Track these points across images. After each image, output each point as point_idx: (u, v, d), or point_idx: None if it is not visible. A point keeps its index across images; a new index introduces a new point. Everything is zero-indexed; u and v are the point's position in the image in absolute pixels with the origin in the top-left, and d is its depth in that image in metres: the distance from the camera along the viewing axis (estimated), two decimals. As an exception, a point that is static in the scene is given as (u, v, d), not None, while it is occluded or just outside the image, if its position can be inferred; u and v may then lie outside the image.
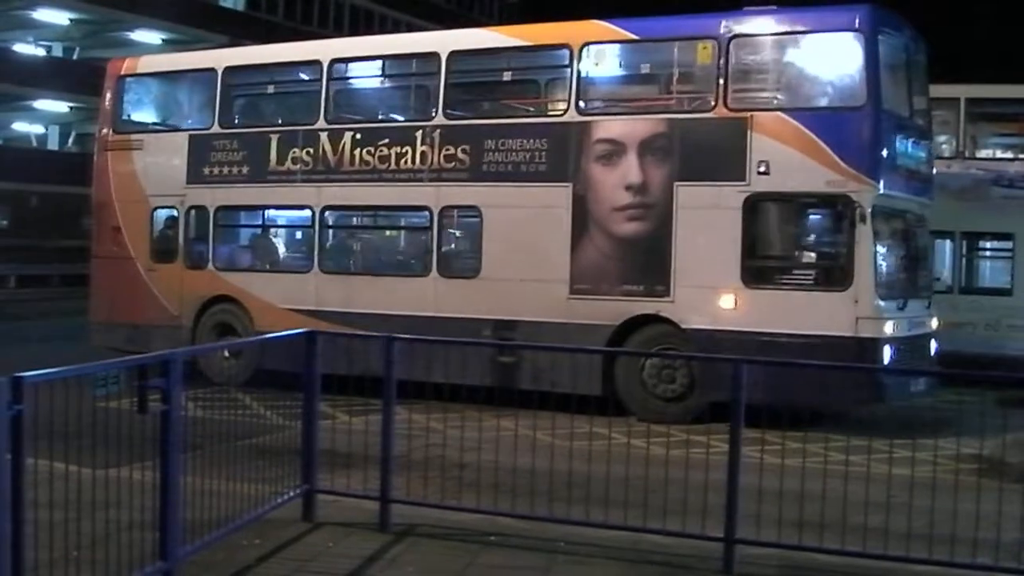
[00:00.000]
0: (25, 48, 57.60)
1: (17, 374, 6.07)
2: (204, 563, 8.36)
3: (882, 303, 16.03)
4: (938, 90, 21.43)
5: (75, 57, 56.07)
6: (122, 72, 22.88)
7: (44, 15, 54.28)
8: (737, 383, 8.72)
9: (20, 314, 33.67)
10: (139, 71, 23.18)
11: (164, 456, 7.61)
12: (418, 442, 10.89)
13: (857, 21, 16.23)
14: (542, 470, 9.63)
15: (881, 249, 16.41)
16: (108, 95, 22.90)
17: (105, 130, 22.96)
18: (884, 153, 16.35)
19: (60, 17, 54.94)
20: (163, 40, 56.49)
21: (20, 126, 58.17)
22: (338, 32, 59.48)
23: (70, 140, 58.20)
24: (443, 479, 10.62)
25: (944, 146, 23.60)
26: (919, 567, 8.57)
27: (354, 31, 60.43)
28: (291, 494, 9.88)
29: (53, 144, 58.14)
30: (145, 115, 23.62)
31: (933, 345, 17.76)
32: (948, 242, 23.33)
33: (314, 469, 10.06)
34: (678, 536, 9.12)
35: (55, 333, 23.34)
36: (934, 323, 18.00)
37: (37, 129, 59.09)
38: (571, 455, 9.69)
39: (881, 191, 16.09)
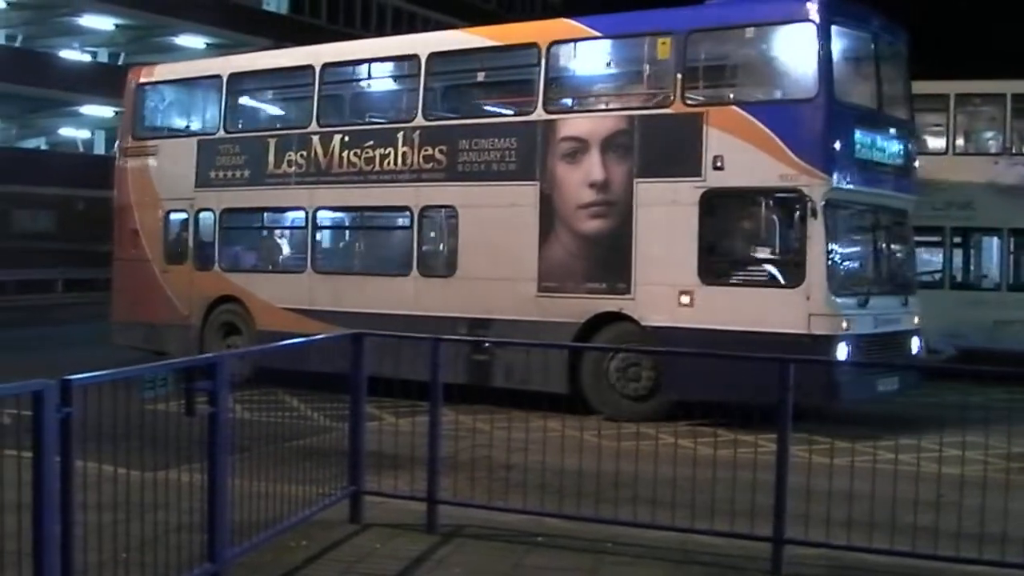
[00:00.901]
0: (71, 54, 58.04)
1: (66, 377, 6.09)
2: (252, 565, 8.38)
3: (837, 299, 15.77)
4: (984, 86, 21.42)
5: (120, 63, 56.30)
6: (140, 80, 23.82)
7: (90, 21, 54.71)
8: (784, 383, 8.68)
9: (66, 318, 33.89)
10: (155, 79, 23.94)
11: (212, 458, 7.63)
12: (465, 443, 10.89)
13: (809, 11, 16.04)
14: (589, 471, 9.58)
15: (837, 244, 16.27)
16: (127, 102, 24.18)
17: (125, 136, 24.17)
18: (838, 146, 16.11)
19: (105, 23, 55.36)
20: (207, 45, 56.76)
21: (67, 131, 58.60)
22: (380, 34, 59.59)
23: (116, 145, 58.46)
24: (490, 480, 10.59)
25: (991, 142, 23.48)
26: (970, 567, 8.48)
27: (396, 33, 60.57)
28: (338, 495, 9.90)
29: (99, 149, 58.50)
30: (161, 121, 24.45)
31: (915, 343, 17.39)
32: (996, 239, 23.17)
33: (361, 470, 10.07)
34: (726, 536, 9.07)
35: (101, 336, 23.67)
36: (915, 320, 17.56)
37: (83, 134, 59.51)
38: (618, 455, 9.68)
39: (835, 185, 15.84)
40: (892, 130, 17.64)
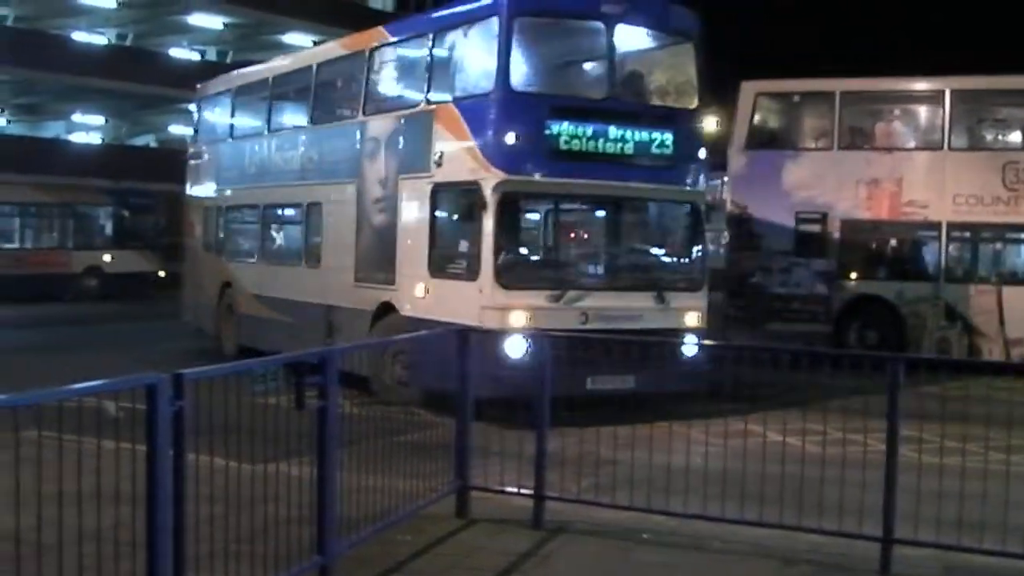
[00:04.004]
0: (180, 52, 58.87)
1: (178, 371, 6.16)
2: (360, 558, 8.43)
3: (512, 293, 15.64)
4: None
5: (228, 60, 57.04)
6: (200, 92, 27.43)
7: (199, 20, 55.55)
8: (894, 380, 8.58)
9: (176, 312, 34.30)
10: (210, 91, 26.94)
11: (321, 452, 7.68)
12: (571, 439, 10.86)
13: (494, 6, 16.18)
14: (696, 468, 9.53)
15: (518, 237, 16.51)
16: (194, 110, 28.22)
17: (192, 141, 28.33)
18: (518, 138, 15.78)
19: (214, 22, 56.16)
20: (313, 42, 57.16)
21: (176, 128, 59.33)
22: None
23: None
24: (596, 476, 10.57)
25: None
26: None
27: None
28: (445, 490, 9.93)
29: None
30: (212, 127, 27.06)
31: (690, 342, 16.05)
32: None
33: (468, 465, 10.10)
34: (834, 535, 8.97)
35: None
36: (686, 319, 16.75)
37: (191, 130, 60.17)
38: (726, 453, 9.60)
39: (511, 177, 15.74)
40: (639, 119, 16.84)
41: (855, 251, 24.13)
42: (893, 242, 24.36)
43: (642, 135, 16.69)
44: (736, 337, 23.22)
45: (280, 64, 24.73)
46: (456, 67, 17.41)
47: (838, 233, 23.97)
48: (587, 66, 17.96)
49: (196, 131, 28.00)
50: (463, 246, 16.42)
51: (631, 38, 17.48)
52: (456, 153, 16.47)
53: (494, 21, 16.04)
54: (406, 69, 19.09)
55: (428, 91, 17.51)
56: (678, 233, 18.13)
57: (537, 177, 16.07)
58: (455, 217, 16.71)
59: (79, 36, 55.04)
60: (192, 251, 27.16)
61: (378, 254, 18.20)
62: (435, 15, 18.44)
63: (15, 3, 52.88)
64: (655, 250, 18.23)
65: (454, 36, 17.41)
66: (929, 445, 9.96)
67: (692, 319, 16.81)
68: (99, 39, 56.56)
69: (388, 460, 9.23)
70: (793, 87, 26.17)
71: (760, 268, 24.68)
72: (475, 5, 17.05)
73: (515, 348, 14.42)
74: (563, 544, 9.32)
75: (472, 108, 16.42)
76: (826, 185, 24.05)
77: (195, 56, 60.18)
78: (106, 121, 61.37)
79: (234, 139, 25.08)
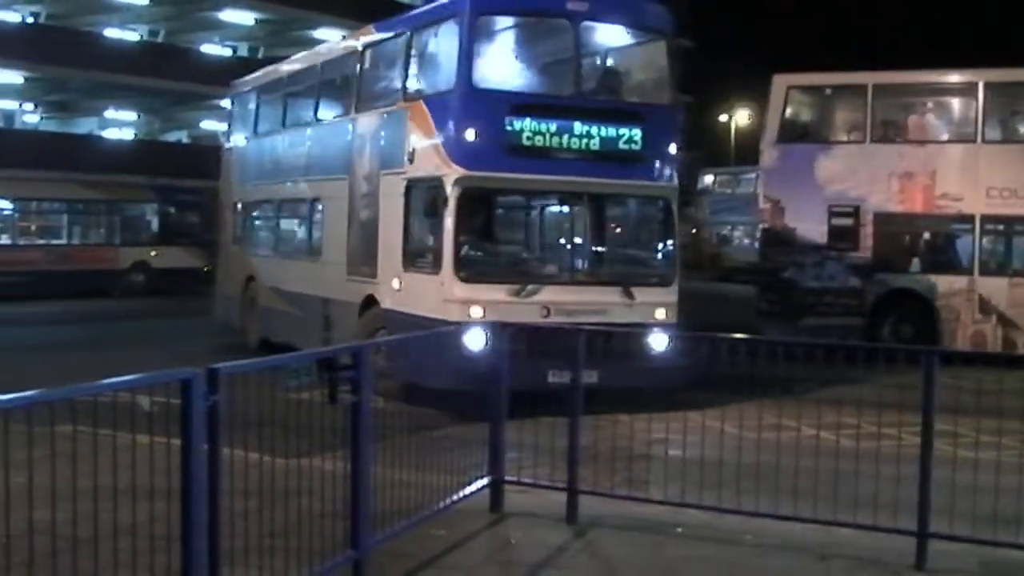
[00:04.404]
0: (212, 48, 59.08)
1: (213, 366, 6.17)
2: (393, 552, 8.44)
3: (471, 286, 15.84)
4: None
5: (260, 56, 57.17)
6: (233, 89, 27.92)
7: (230, 16, 55.73)
8: (929, 374, 8.54)
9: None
10: (239, 89, 27.33)
11: (355, 446, 7.68)
12: (604, 433, 10.85)
13: (458, 5, 16.39)
14: (729, 462, 9.50)
15: (477, 232, 16.66)
16: (228, 107, 29.07)
17: (223, 137, 29.18)
18: (478, 134, 15.95)
19: (245, 18, 56.33)
20: (344, 38, 57.21)
21: (208, 124, 59.55)
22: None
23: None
24: (630, 471, 10.55)
25: None
26: None
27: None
28: (478, 484, 9.93)
29: (239, 142, 59.33)
30: (240, 124, 27.42)
31: (653, 338, 15.67)
32: None
33: (501, 460, 10.10)
34: (869, 530, 8.91)
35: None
36: (656, 314, 16.58)
37: (224, 127, 60.34)
38: (759, 447, 9.57)
39: (468, 173, 15.88)
40: (607, 115, 16.89)
41: (888, 244, 24.03)
42: (927, 235, 24.25)
43: (610, 131, 16.72)
44: (769, 332, 23.13)
45: (295, 62, 25.00)
46: (426, 65, 17.77)
47: (871, 226, 23.88)
48: (553, 63, 18.05)
49: (229, 127, 28.46)
50: (430, 241, 16.61)
51: (599, 35, 17.76)
52: (425, 149, 16.73)
53: (457, 20, 16.29)
54: (389, 66, 19.24)
55: (404, 88, 17.85)
56: (647, 228, 18.30)
57: (497, 173, 16.22)
58: (424, 212, 16.76)
59: (111, 33, 55.31)
60: (224, 246, 27.53)
61: (364, 248, 18.49)
62: (412, 13, 18.99)
63: (47, 1, 53.16)
64: (622, 245, 18.39)
65: (426, 34, 17.70)
66: (964, 439, 9.93)
67: (661, 314, 16.72)
68: (131, 36, 56.83)
69: (421, 454, 9.24)
70: (825, 80, 26.11)
71: (793, 262, 24.61)
72: (443, 3, 17.35)
73: (474, 341, 14.12)
74: (596, 538, 9.31)
75: (438, 105, 16.69)
76: (859, 178, 23.96)
77: (226, 52, 60.36)
78: (138, 117, 61.67)
79: (257, 136, 25.45)
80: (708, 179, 58.98)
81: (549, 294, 16.15)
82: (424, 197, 16.56)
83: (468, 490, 9.78)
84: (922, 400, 8.60)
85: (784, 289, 24.69)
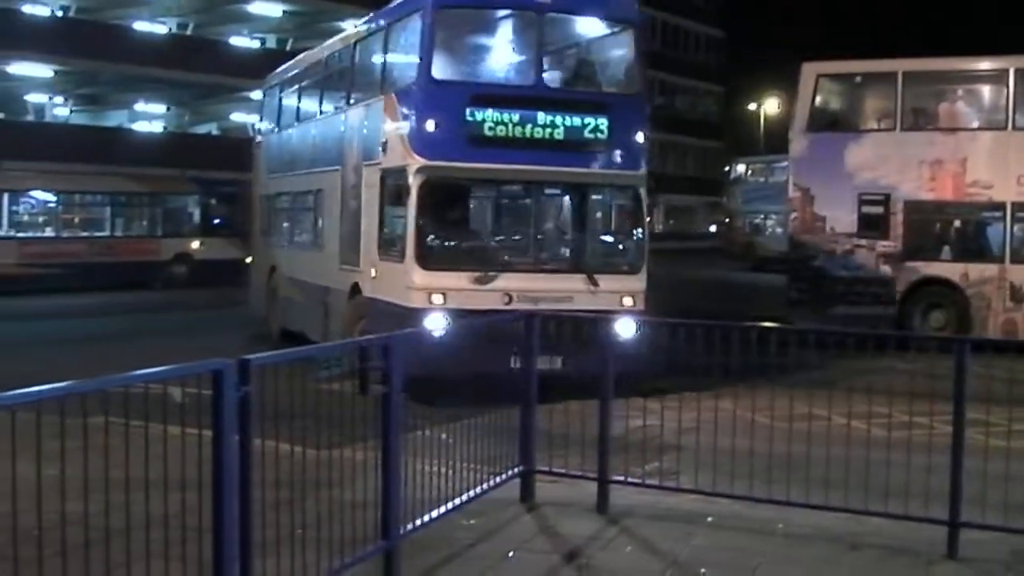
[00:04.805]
0: (240, 41, 59.20)
1: (243, 356, 6.19)
2: (424, 542, 8.45)
3: (432, 274, 16.09)
4: None
5: (288, 48, 57.26)
6: (264, 82, 28.28)
7: (258, 8, 55.82)
8: (960, 362, 8.50)
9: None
10: (269, 83, 27.69)
11: (386, 437, 7.69)
12: (635, 423, 10.84)
13: (420, 1, 16.70)
14: (760, 452, 9.47)
15: (438, 221, 16.78)
16: (259, 99, 29.76)
17: (254, 129, 29.22)
18: (438, 125, 16.23)
19: (274, 10, 56.40)
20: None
21: (237, 116, 59.67)
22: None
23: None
24: (660, 460, 10.54)
25: None
26: None
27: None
28: (509, 474, 9.93)
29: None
30: (268, 117, 28.06)
31: (619, 325, 14.59)
32: None
33: (532, 450, 10.10)
34: (900, 519, 8.88)
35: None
36: (622, 301, 16.55)
37: (254, 119, 60.48)
38: (790, 437, 9.53)
39: (428, 163, 16.14)
40: (570, 105, 17.00)
41: (919, 232, 23.94)
42: (957, 223, 24.14)
43: (574, 121, 16.83)
44: (799, 321, 23.06)
45: (309, 56, 25.15)
46: (396, 58, 18.16)
47: (901, 215, 23.79)
48: (516, 54, 18.22)
49: (260, 120, 29.06)
50: (398, 229, 16.82)
51: (563, 26, 17.97)
52: (394, 141, 17.11)
53: (420, 13, 16.58)
54: (372, 60, 19.56)
55: (382, 81, 18.35)
56: (613, 216, 18.56)
57: (458, 163, 16.44)
58: (393, 202, 17.08)
59: (140, 26, 55.52)
60: (254, 237, 28.04)
61: (351, 238, 18.85)
62: (388, 8, 18.92)
63: (77, -6, 53.41)
64: (587, 233, 18.34)
65: (397, 28, 18.00)
66: (996, 428, 9.88)
67: (628, 301, 16.75)
68: (160, 28, 57.04)
69: (452, 445, 9.25)
70: (854, 68, 26.00)
71: (823, 251, 24.55)
72: (404, 3, 17.85)
73: (435, 327, 14.65)
74: (627, 528, 9.31)
75: (404, 97, 17.10)
76: (889, 166, 23.87)
77: (255, 45, 60.51)
78: (168, 110, 61.82)
79: (280, 129, 25.91)
80: (740, 168, 58.83)
81: (511, 281, 16.33)
82: (393, 187, 16.94)
83: (499, 480, 9.78)
84: (953, 389, 8.56)
85: (814, 278, 24.63)
